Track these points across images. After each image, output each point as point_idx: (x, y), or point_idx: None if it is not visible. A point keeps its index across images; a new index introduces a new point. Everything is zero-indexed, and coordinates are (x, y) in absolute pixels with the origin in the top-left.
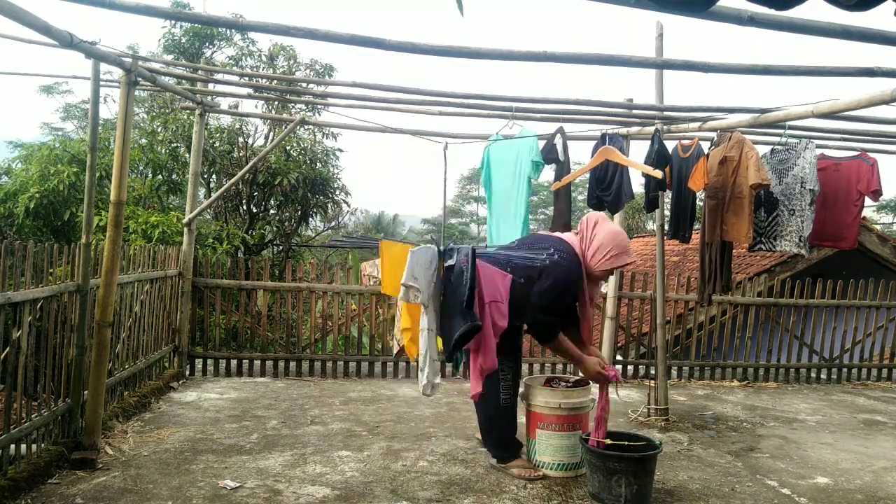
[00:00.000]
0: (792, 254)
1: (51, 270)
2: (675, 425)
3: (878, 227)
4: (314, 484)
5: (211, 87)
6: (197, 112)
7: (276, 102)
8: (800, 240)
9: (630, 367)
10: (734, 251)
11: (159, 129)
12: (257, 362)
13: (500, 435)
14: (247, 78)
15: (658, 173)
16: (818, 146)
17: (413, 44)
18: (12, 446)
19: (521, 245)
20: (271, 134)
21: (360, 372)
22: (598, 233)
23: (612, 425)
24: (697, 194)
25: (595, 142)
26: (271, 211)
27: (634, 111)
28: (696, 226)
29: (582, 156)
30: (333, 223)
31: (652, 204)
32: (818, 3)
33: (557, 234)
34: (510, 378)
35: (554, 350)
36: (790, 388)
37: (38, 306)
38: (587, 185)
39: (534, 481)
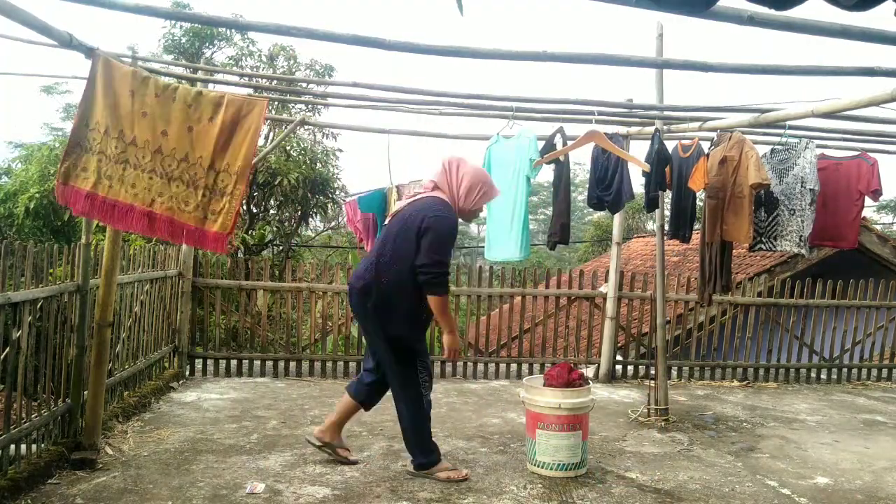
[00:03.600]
0: (792, 254)
1: (51, 270)
2: (675, 425)
3: (878, 227)
4: (314, 484)
5: (211, 87)
6: None
7: (276, 103)
8: (800, 240)
9: (630, 367)
10: (734, 251)
11: None
12: (257, 362)
13: (423, 438)
14: (247, 78)
15: (646, 166)
16: (818, 146)
17: (413, 44)
18: (12, 446)
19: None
20: (271, 134)
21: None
22: (464, 174)
23: (612, 425)
24: (697, 194)
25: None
26: (271, 211)
27: (634, 111)
28: (696, 226)
29: (582, 156)
30: (333, 223)
31: (652, 204)
32: (818, 3)
33: (418, 192)
34: (427, 377)
35: (440, 307)
36: (790, 388)
37: (38, 306)
38: (587, 185)
39: (461, 482)
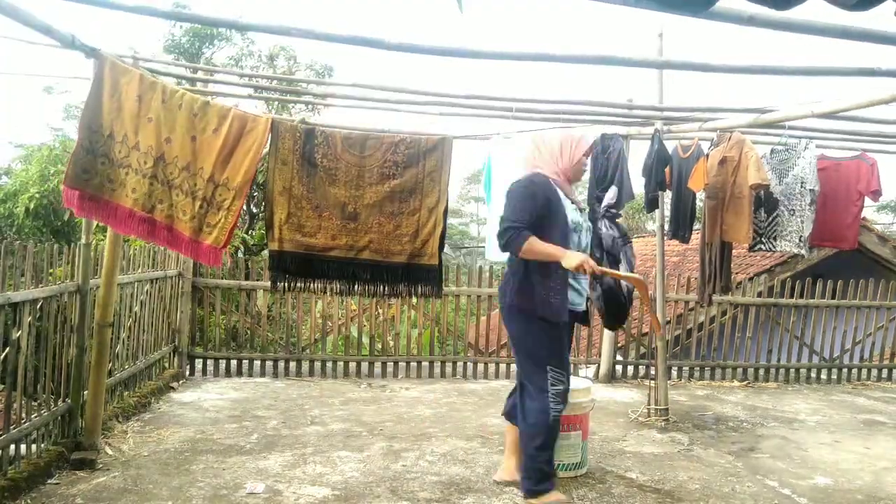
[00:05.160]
0: (792, 254)
1: (51, 270)
2: (675, 425)
3: (878, 227)
4: (314, 484)
5: (211, 87)
6: None
7: (276, 103)
8: (800, 240)
9: (630, 367)
10: (734, 251)
11: None
12: (257, 362)
13: (530, 460)
14: (247, 78)
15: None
16: (818, 146)
17: (414, 44)
18: (12, 446)
19: None
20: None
21: (360, 372)
22: (549, 140)
23: (612, 425)
24: (697, 194)
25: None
26: None
27: (634, 111)
28: (696, 226)
29: None
30: None
31: (652, 204)
32: (818, 3)
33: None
34: (561, 389)
35: (533, 256)
36: (790, 388)
37: (38, 306)
38: (587, 185)
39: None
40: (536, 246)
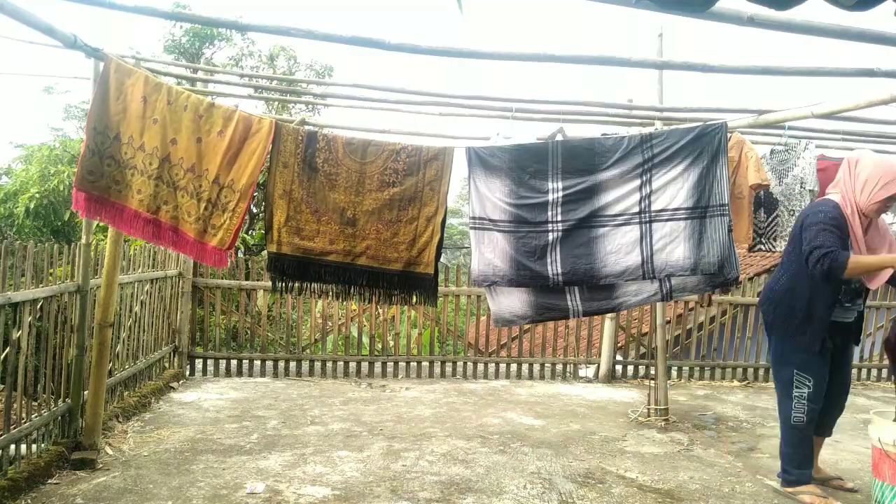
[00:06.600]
0: None
1: (51, 270)
2: (675, 425)
3: None
4: (314, 484)
5: (211, 87)
6: None
7: (276, 103)
8: None
9: (630, 367)
10: None
11: None
12: (257, 362)
13: (791, 454)
14: (247, 78)
15: None
16: (818, 146)
17: (414, 45)
18: (12, 446)
19: None
20: None
21: (360, 372)
22: (861, 169)
23: (613, 425)
24: None
25: None
26: None
27: (634, 111)
28: None
29: None
30: None
31: None
32: (818, 4)
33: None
34: (806, 396)
35: (855, 274)
36: None
37: (38, 306)
38: None
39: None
40: (861, 260)
